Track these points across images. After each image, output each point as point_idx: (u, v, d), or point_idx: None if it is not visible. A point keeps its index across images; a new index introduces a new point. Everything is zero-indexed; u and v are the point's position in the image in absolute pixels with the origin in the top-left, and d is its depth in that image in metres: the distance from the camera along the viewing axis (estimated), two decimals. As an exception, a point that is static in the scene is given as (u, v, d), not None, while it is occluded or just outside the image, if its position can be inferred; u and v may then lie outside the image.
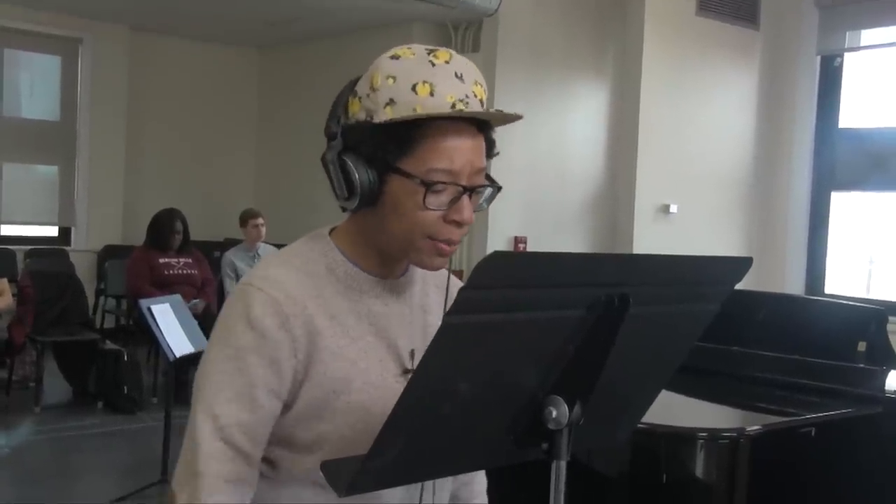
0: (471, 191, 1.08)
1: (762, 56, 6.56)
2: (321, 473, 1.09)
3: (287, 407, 1.10)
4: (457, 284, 1.22)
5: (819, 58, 6.57)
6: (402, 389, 1.12)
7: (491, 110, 1.09)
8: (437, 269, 1.13)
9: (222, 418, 1.06)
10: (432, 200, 1.06)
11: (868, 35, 6.56)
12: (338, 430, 1.09)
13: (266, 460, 1.12)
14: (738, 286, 1.06)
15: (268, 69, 8.68)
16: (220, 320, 1.11)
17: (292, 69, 8.21)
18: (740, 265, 1.03)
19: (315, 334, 1.09)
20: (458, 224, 1.08)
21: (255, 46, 8.60)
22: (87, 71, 7.64)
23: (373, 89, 1.07)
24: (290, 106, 8.02)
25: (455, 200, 1.07)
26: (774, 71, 6.57)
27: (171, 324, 3.85)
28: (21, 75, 7.64)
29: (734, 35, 6.41)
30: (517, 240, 5.99)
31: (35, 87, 7.74)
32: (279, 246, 4.34)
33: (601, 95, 6.36)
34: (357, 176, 1.07)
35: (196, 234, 6.19)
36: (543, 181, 6.06)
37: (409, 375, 1.14)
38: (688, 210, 6.19)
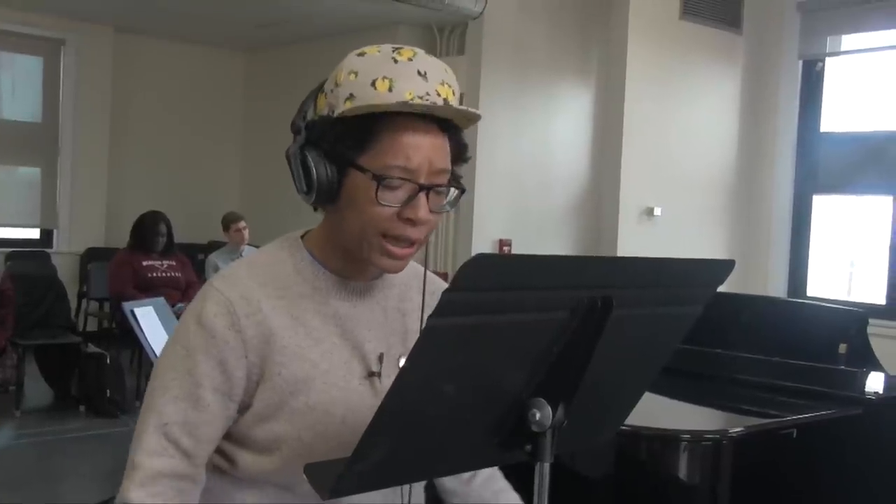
0: (428, 189, 1.06)
1: (745, 60, 6.60)
2: (282, 475, 1.10)
3: (246, 407, 1.10)
4: (435, 283, 1.21)
5: (801, 62, 6.62)
6: (366, 392, 1.12)
7: (439, 104, 1.05)
8: (390, 271, 1.11)
9: (165, 415, 1.07)
10: (386, 196, 1.05)
11: (849, 40, 6.63)
12: (296, 432, 1.09)
13: (227, 458, 1.13)
14: (721, 288, 1.06)
15: (254, 71, 8.64)
16: (181, 318, 1.12)
17: (278, 71, 8.16)
18: (723, 267, 1.03)
19: (270, 335, 1.08)
20: (413, 223, 1.06)
21: (241, 49, 8.56)
22: (70, 72, 7.58)
23: (336, 85, 1.07)
24: (275, 108, 7.93)
25: (411, 198, 1.05)
26: (757, 75, 6.61)
27: (154, 327, 3.81)
28: (2, 76, 7.57)
29: (717, 39, 6.45)
30: (502, 242, 5.99)
31: (17, 88, 7.67)
32: (263, 248, 4.31)
33: (585, 98, 6.38)
34: (315, 170, 1.06)
35: (180, 237, 6.16)
36: (528, 184, 6.07)
37: (374, 378, 1.14)
38: (672, 213, 6.22)
